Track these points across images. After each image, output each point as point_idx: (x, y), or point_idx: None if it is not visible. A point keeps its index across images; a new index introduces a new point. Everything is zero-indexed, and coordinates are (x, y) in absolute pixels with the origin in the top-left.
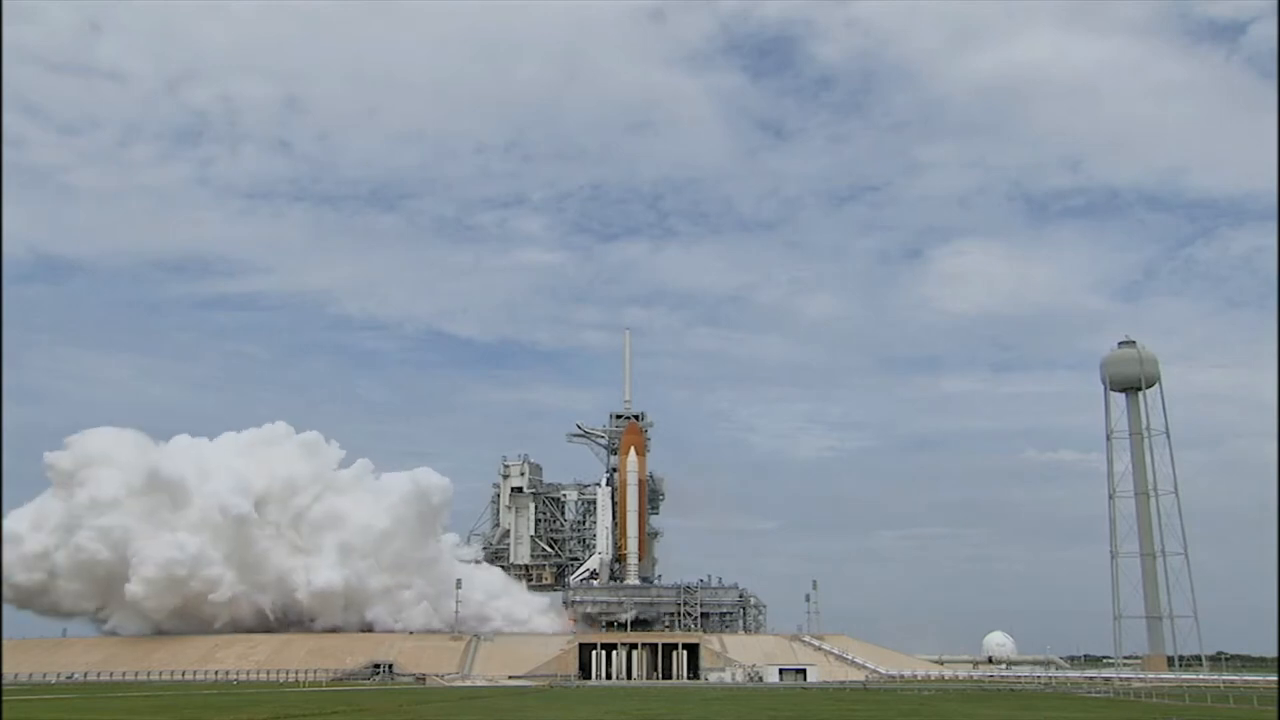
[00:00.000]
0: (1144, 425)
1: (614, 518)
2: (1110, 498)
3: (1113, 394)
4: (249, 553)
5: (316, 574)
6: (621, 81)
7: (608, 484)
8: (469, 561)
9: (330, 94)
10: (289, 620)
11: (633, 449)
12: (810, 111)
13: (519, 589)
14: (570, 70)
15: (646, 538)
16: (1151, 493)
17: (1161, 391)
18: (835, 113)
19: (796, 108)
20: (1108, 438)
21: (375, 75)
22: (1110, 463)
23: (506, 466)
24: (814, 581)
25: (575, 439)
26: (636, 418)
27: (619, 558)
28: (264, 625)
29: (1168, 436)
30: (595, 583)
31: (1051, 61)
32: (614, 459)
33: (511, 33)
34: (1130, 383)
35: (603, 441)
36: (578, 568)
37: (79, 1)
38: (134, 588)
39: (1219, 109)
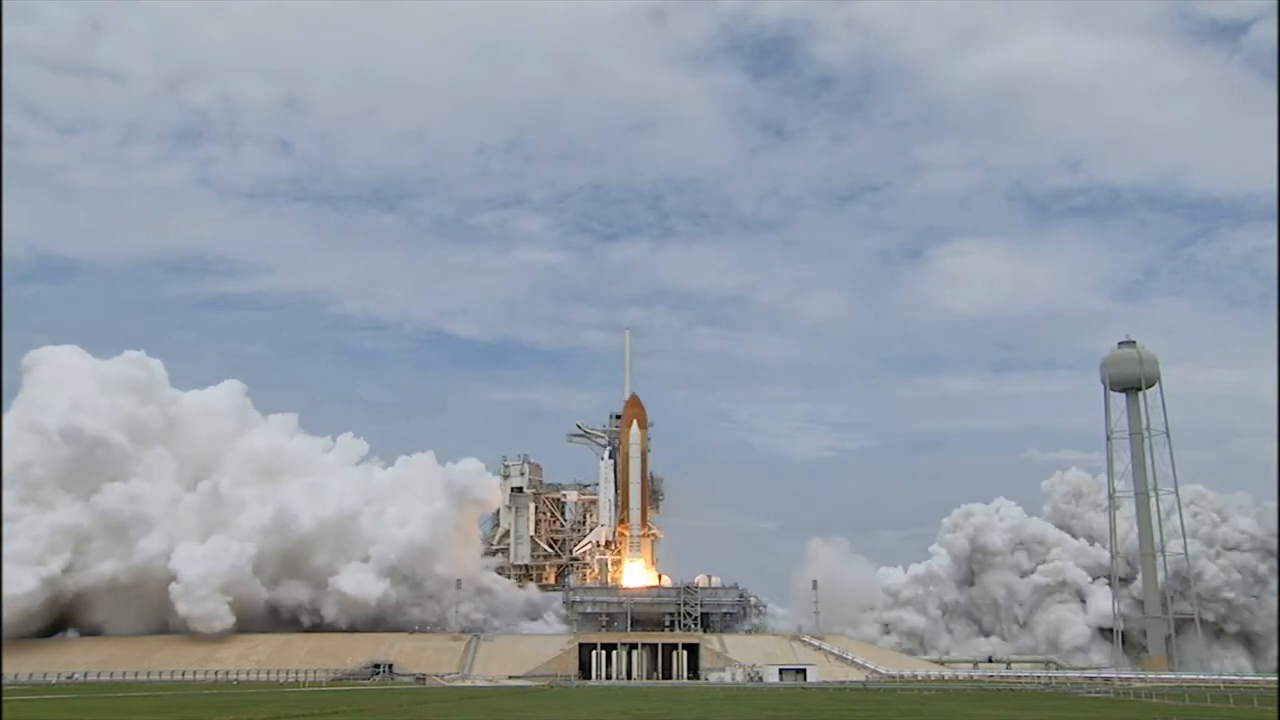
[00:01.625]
0: (1144, 425)
1: (616, 489)
2: (1110, 497)
3: (1113, 394)
4: (297, 563)
5: (352, 584)
6: (622, 81)
7: (610, 457)
8: (492, 570)
9: (330, 94)
10: (325, 627)
11: (635, 421)
12: (811, 111)
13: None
14: (570, 70)
15: (649, 504)
16: (1151, 492)
17: (1161, 391)
18: (836, 113)
19: (797, 108)
20: (1108, 438)
21: (375, 75)
22: (1110, 463)
23: (506, 466)
24: (814, 581)
25: (575, 439)
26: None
27: (619, 537)
28: (300, 630)
29: (1168, 436)
30: (600, 543)
31: (1052, 61)
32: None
33: (512, 33)
34: (1130, 383)
35: (602, 441)
36: (579, 566)
37: (79, 1)
38: (183, 593)
39: (1220, 109)
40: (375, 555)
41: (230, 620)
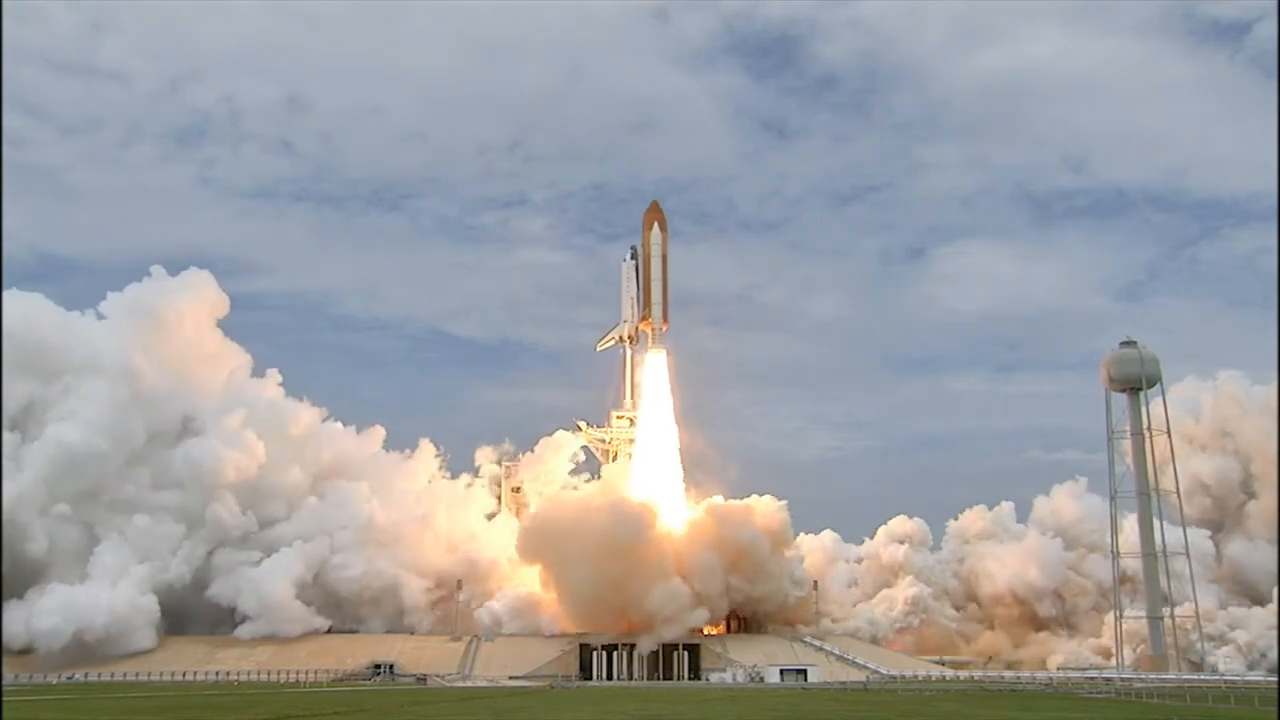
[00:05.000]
0: (1145, 425)
1: (638, 285)
2: (1111, 498)
3: (1114, 394)
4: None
5: (406, 596)
6: (624, 81)
7: (631, 258)
8: None
9: (332, 94)
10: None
11: (655, 224)
12: (813, 111)
13: None
14: (573, 70)
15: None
16: (1153, 493)
17: (1163, 391)
18: (838, 113)
19: (799, 108)
20: (1109, 438)
21: (377, 75)
22: (1111, 463)
23: (507, 467)
24: (814, 581)
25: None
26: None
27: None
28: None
29: (1169, 436)
30: (623, 338)
31: (1055, 61)
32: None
33: (514, 33)
34: (1131, 383)
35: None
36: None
37: (81, 2)
38: (262, 603)
39: (1223, 109)
40: (431, 566)
41: (319, 624)
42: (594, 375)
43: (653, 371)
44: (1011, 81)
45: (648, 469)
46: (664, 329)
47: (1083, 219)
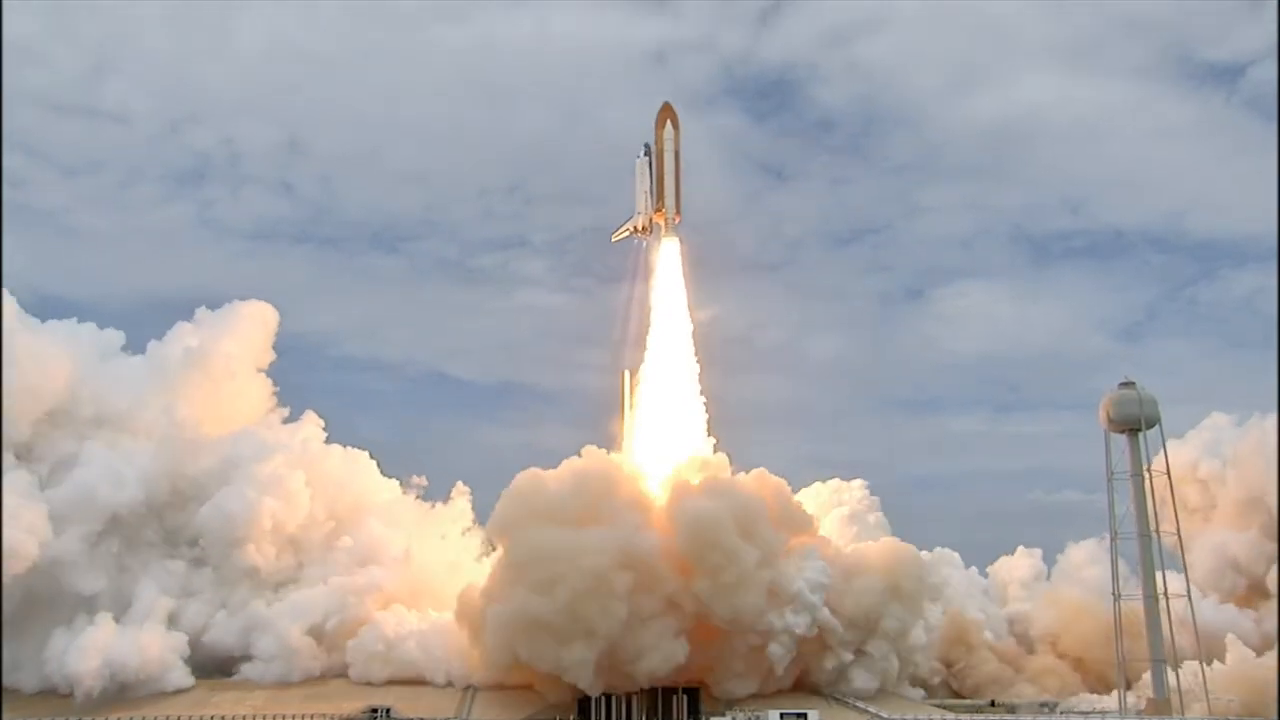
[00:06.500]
0: (1144, 466)
1: (652, 179)
2: (1112, 539)
3: (1113, 435)
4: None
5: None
6: (623, 123)
7: (645, 155)
8: None
9: (332, 137)
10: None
11: (669, 122)
12: (811, 154)
13: None
14: (572, 112)
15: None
16: (1153, 534)
17: (1162, 432)
18: (836, 155)
19: (797, 150)
20: (1108, 479)
21: (377, 118)
22: (1111, 504)
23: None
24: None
25: None
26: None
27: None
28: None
29: (1169, 477)
30: (638, 237)
31: (1053, 104)
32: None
33: (513, 75)
34: (1130, 423)
35: None
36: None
37: (83, 44)
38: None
39: (1220, 150)
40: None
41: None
42: (593, 415)
43: (666, 258)
44: (1009, 125)
45: (660, 375)
46: (677, 220)
47: (1081, 260)
